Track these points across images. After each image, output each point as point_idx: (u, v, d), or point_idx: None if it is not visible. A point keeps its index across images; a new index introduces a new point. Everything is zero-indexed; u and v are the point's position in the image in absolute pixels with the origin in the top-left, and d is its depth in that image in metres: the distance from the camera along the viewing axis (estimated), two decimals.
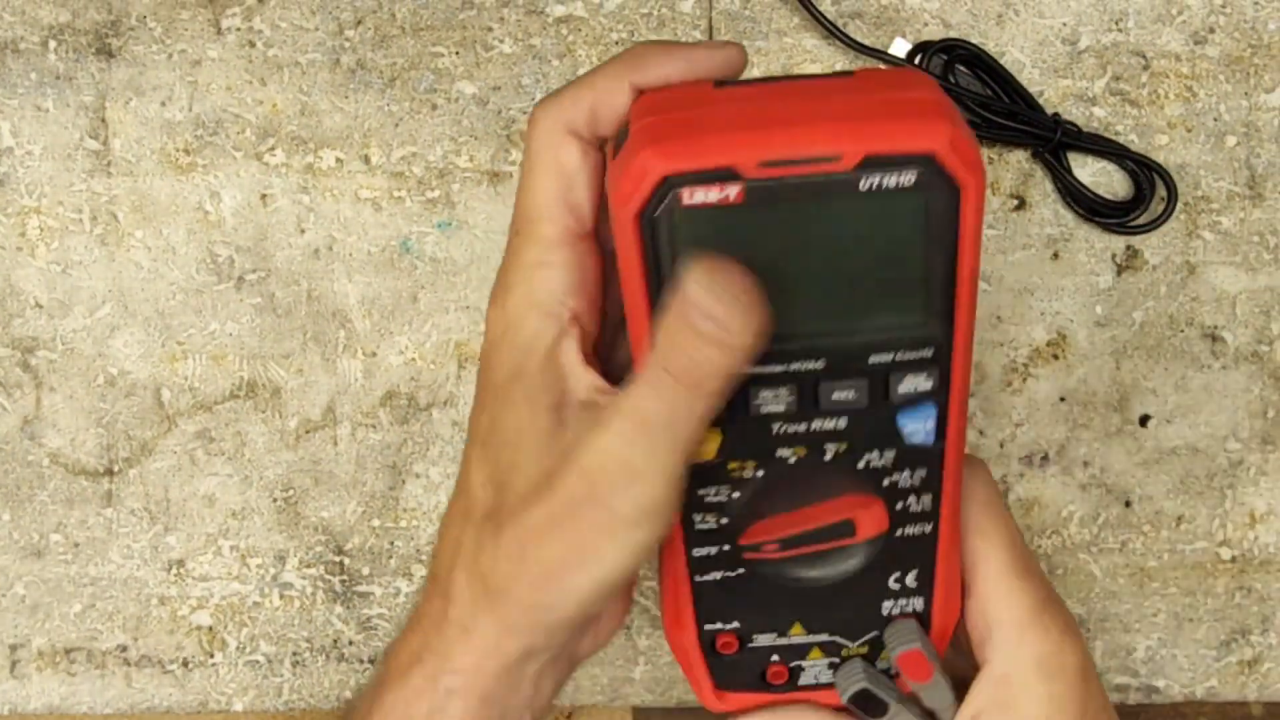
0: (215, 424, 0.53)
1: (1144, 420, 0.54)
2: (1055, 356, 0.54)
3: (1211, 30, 0.53)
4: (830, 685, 0.41)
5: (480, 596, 0.39)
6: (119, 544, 0.53)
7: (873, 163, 0.33)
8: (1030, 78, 0.52)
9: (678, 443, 0.36)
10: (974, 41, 0.52)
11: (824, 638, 0.41)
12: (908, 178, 0.33)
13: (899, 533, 0.39)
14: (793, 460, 0.37)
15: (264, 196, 0.52)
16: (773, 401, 0.36)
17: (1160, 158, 0.53)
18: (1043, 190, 0.53)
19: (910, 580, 0.40)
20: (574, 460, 0.37)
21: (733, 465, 0.37)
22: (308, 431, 0.53)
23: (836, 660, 0.41)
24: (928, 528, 0.39)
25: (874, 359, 0.36)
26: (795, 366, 0.36)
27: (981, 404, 0.53)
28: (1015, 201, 0.53)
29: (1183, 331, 0.54)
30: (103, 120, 0.52)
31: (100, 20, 0.51)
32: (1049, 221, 0.53)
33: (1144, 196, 0.52)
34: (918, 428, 0.37)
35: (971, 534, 0.41)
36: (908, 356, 0.36)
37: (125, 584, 0.53)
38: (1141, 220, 0.52)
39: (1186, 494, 0.54)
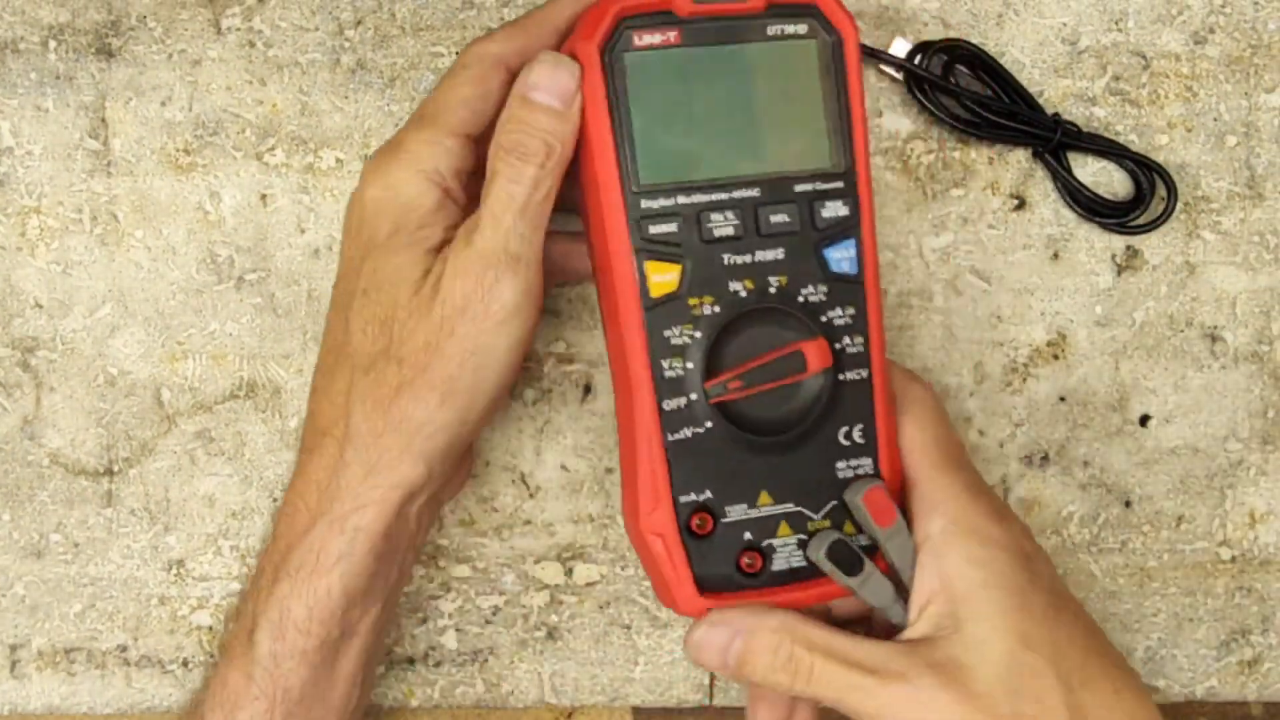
0: (215, 424, 0.53)
1: (1144, 420, 0.54)
2: (1055, 356, 0.54)
3: (1211, 30, 0.53)
4: (802, 571, 0.45)
5: (384, 430, 0.43)
6: (119, 544, 0.53)
7: (776, 9, 0.43)
8: (1030, 78, 0.52)
9: (533, 221, 0.42)
10: (974, 42, 0.52)
11: (790, 507, 0.45)
12: (801, 27, 0.44)
13: (841, 376, 0.45)
14: (744, 294, 0.44)
15: (264, 196, 0.52)
16: (722, 225, 0.44)
17: (1160, 158, 0.53)
18: (1043, 190, 0.53)
19: (857, 435, 0.45)
20: (451, 271, 0.42)
21: (692, 301, 0.44)
22: None
23: (805, 538, 0.45)
24: (864, 373, 0.45)
25: (799, 188, 0.44)
26: (737, 194, 0.44)
27: (981, 404, 0.53)
28: (1015, 201, 0.53)
29: (1183, 331, 0.54)
30: (103, 120, 0.52)
31: (100, 20, 0.51)
32: (1049, 221, 0.53)
33: (1144, 196, 0.52)
34: (842, 256, 0.45)
35: (906, 426, 0.45)
36: (825, 186, 0.44)
37: (125, 584, 0.53)
38: (1142, 220, 0.52)
39: (1186, 494, 0.54)
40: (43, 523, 0.53)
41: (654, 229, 0.43)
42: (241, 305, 0.52)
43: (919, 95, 0.51)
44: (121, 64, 0.51)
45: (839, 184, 0.44)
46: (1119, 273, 0.53)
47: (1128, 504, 0.54)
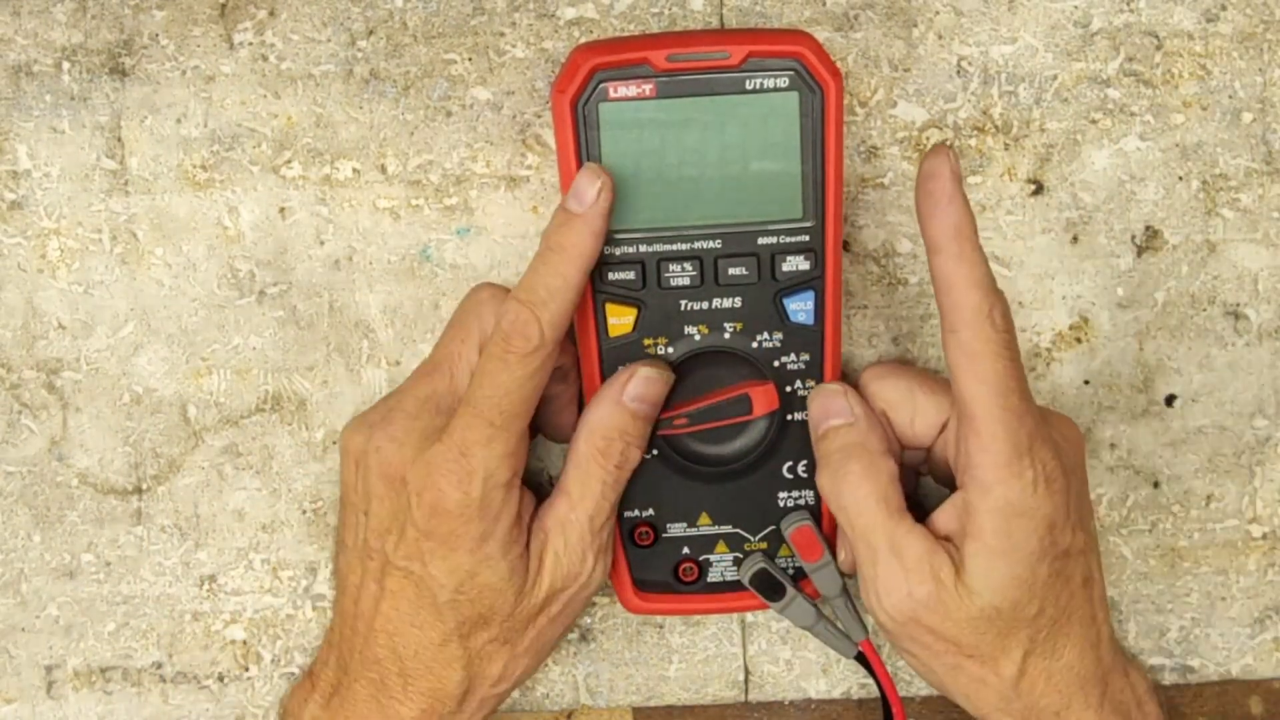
0: (242, 438, 0.53)
1: (1170, 400, 0.54)
2: (1078, 340, 0.54)
3: (1224, 7, 0.52)
4: (735, 584, 0.49)
5: (511, 677, 0.49)
6: (150, 561, 0.53)
7: (755, 64, 0.44)
8: (1043, 62, 0.52)
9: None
10: (986, 27, 0.52)
11: (728, 529, 0.49)
12: (782, 80, 0.44)
13: (790, 416, 0.47)
14: (698, 337, 0.46)
15: (282, 210, 0.52)
16: (680, 275, 0.46)
17: (1176, 137, 0.52)
18: (1060, 174, 0.53)
19: (801, 470, 0.48)
20: (552, 569, 0.47)
21: (648, 341, 0.47)
22: (335, 443, 0.53)
23: (740, 555, 0.49)
24: None
25: (761, 241, 0.45)
26: (697, 245, 0.45)
27: None
28: (1033, 186, 0.53)
29: (1205, 310, 0.54)
30: (119, 139, 0.52)
31: (113, 39, 0.51)
32: (1067, 205, 0.53)
33: None
34: (800, 307, 0.46)
35: (965, 372, 0.44)
36: (788, 241, 0.45)
37: (158, 601, 0.53)
38: None
39: (1215, 472, 0.54)
40: (74, 543, 0.53)
41: (613, 275, 0.46)
42: (264, 319, 0.52)
43: None
44: (135, 82, 0.51)
45: (805, 237, 0.46)
46: (1139, 254, 0.53)
47: (1156, 485, 0.54)
